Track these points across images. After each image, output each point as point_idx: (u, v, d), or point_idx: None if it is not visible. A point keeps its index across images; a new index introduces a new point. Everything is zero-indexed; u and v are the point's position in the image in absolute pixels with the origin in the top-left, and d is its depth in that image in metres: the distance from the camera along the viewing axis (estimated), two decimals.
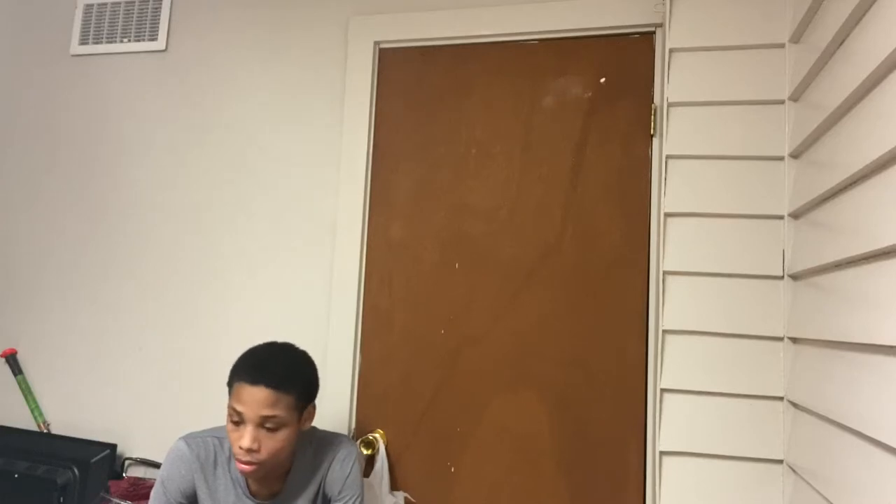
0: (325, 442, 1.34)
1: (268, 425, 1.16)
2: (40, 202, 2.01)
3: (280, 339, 1.74)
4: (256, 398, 1.15)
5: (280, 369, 1.19)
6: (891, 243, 0.84)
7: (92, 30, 2.02)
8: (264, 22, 1.88)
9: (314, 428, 1.36)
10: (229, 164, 1.86)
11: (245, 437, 1.15)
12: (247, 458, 1.15)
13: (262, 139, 1.84)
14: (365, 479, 1.58)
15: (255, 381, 1.16)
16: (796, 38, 1.32)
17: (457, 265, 1.66)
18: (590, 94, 1.62)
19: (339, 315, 1.70)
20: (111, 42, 2.00)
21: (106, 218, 1.94)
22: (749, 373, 1.31)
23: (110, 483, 1.72)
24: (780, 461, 1.27)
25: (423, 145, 1.72)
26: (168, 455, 1.27)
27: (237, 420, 1.17)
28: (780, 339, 1.30)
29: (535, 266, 1.61)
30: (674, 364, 1.35)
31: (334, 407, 1.67)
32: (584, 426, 1.54)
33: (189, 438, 1.28)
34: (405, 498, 1.61)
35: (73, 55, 2.04)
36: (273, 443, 1.17)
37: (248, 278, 1.80)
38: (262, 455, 1.16)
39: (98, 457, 1.72)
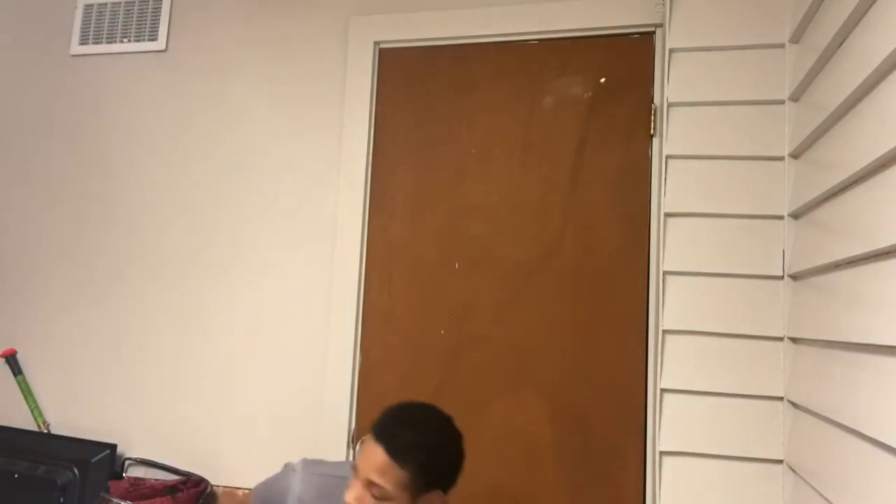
0: None
1: (373, 492, 1.04)
2: (40, 202, 2.01)
3: (277, 338, 1.74)
4: (371, 457, 1.04)
5: (406, 437, 1.05)
6: (891, 243, 0.84)
7: (92, 30, 2.02)
8: (264, 22, 1.88)
9: None
10: (229, 163, 1.86)
11: (350, 492, 1.05)
12: None
13: (262, 139, 1.84)
14: None
15: (377, 439, 1.05)
16: (796, 38, 1.32)
17: (457, 265, 1.66)
18: (590, 94, 1.62)
19: (339, 315, 1.70)
20: (111, 42, 2.00)
21: (106, 218, 1.94)
22: (749, 373, 1.31)
23: (110, 483, 1.72)
24: (780, 461, 1.27)
25: (423, 145, 1.72)
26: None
27: (355, 471, 1.07)
28: (780, 339, 1.30)
29: (534, 266, 1.60)
30: (674, 364, 1.35)
31: (334, 407, 1.67)
32: (585, 426, 1.54)
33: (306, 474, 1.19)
34: None
35: (73, 55, 2.04)
36: None
37: (248, 278, 1.80)
38: None
39: (98, 457, 1.72)
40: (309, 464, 1.22)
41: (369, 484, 1.03)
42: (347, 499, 1.04)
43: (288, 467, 1.23)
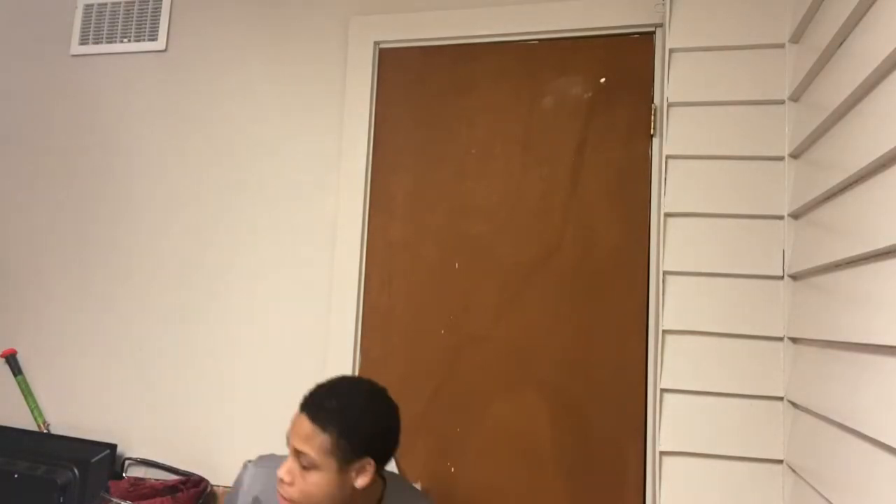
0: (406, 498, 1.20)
1: (302, 462, 1.04)
2: (40, 202, 2.01)
3: (277, 338, 1.74)
4: (297, 427, 1.05)
5: (329, 402, 1.05)
6: (891, 243, 0.84)
7: (92, 30, 2.02)
8: (264, 22, 1.88)
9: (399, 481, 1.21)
10: (229, 163, 1.86)
11: (283, 466, 1.06)
12: (280, 488, 1.06)
13: (262, 139, 1.84)
14: None
15: (301, 407, 1.07)
16: (796, 38, 1.32)
17: (457, 265, 1.66)
18: (590, 94, 1.62)
19: (339, 315, 1.70)
20: (111, 42, 2.00)
21: (105, 218, 1.94)
22: (749, 373, 1.31)
23: (110, 483, 1.72)
24: (780, 461, 1.27)
25: (423, 145, 1.72)
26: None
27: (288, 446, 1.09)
28: (780, 339, 1.30)
29: (535, 266, 1.60)
30: (674, 364, 1.35)
31: None
32: (585, 426, 1.54)
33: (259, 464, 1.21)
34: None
35: (73, 55, 2.04)
36: (304, 484, 1.04)
37: (248, 278, 1.80)
38: (294, 493, 1.04)
39: (98, 457, 1.72)
40: (262, 459, 1.23)
41: (297, 454, 1.04)
42: (279, 473, 1.05)
43: (245, 465, 1.25)
